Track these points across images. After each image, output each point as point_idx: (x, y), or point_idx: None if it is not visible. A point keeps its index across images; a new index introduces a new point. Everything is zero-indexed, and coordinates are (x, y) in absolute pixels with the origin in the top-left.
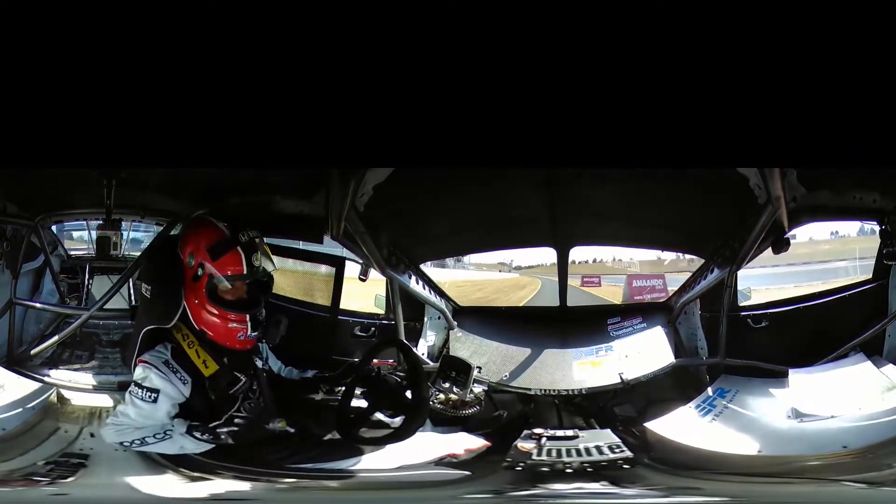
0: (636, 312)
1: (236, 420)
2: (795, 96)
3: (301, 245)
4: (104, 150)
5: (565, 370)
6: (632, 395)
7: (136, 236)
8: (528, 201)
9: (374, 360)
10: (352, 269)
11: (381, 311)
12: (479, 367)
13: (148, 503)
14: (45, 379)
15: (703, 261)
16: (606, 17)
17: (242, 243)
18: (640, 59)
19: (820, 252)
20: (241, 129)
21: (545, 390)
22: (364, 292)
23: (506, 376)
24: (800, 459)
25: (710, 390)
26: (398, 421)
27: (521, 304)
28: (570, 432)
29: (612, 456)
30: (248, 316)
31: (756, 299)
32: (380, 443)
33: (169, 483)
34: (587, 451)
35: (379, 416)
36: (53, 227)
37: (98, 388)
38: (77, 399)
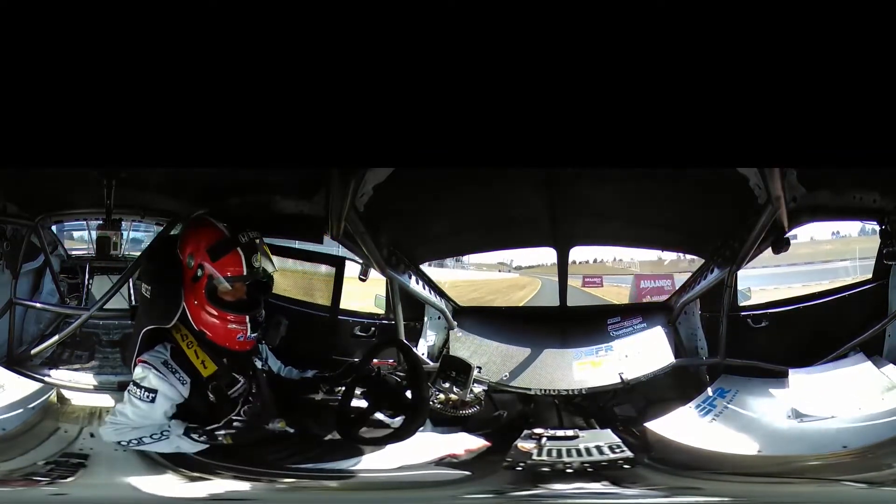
0: (636, 312)
1: (235, 423)
2: (795, 96)
3: (296, 244)
4: (104, 150)
5: (565, 370)
6: (632, 395)
7: (136, 236)
8: (528, 201)
9: (374, 360)
10: (352, 269)
11: (381, 311)
12: (479, 367)
13: (148, 503)
14: (46, 379)
15: (703, 261)
16: (606, 17)
17: (242, 244)
18: (640, 59)
19: (822, 252)
20: (241, 129)
21: (545, 390)
22: (364, 293)
23: (506, 376)
24: (800, 459)
25: (710, 390)
26: (398, 421)
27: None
28: (570, 432)
29: (612, 456)
30: (247, 317)
31: (756, 299)
32: (380, 443)
33: (169, 483)
34: (587, 451)
35: (379, 416)
36: (53, 227)
37: (98, 389)
38: (77, 399)
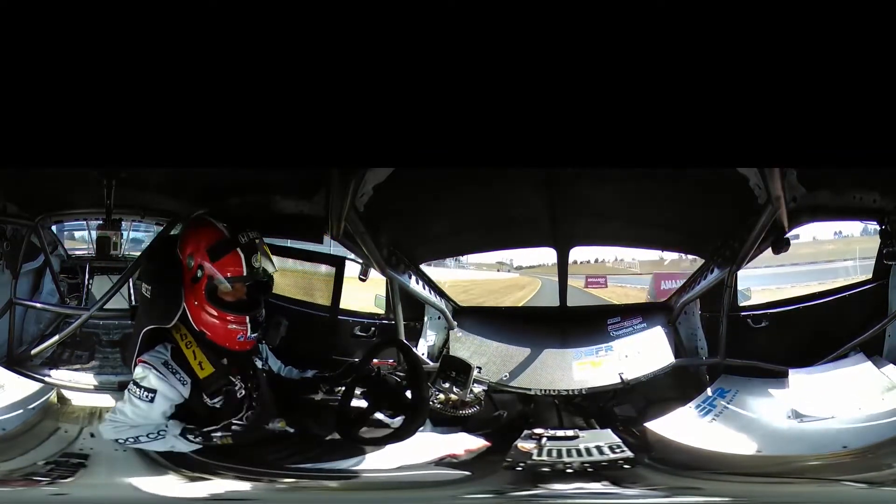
0: (636, 312)
1: (234, 427)
2: (795, 96)
3: (291, 243)
4: (104, 150)
5: (565, 370)
6: (632, 395)
7: (136, 236)
8: (528, 201)
9: (374, 360)
10: (352, 269)
11: (381, 311)
12: (479, 367)
13: (148, 503)
14: (46, 379)
15: (703, 261)
16: (606, 17)
17: (242, 244)
18: (640, 59)
19: (823, 252)
20: (241, 129)
21: (545, 390)
22: (364, 293)
23: (506, 376)
24: (800, 459)
25: (710, 390)
26: (398, 421)
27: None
28: (570, 432)
29: (612, 456)
30: (247, 317)
31: (756, 299)
32: (380, 443)
33: (169, 483)
34: (587, 451)
35: (379, 416)
36: (53, 227)
37: (98, 389)
38: (77, 399)
